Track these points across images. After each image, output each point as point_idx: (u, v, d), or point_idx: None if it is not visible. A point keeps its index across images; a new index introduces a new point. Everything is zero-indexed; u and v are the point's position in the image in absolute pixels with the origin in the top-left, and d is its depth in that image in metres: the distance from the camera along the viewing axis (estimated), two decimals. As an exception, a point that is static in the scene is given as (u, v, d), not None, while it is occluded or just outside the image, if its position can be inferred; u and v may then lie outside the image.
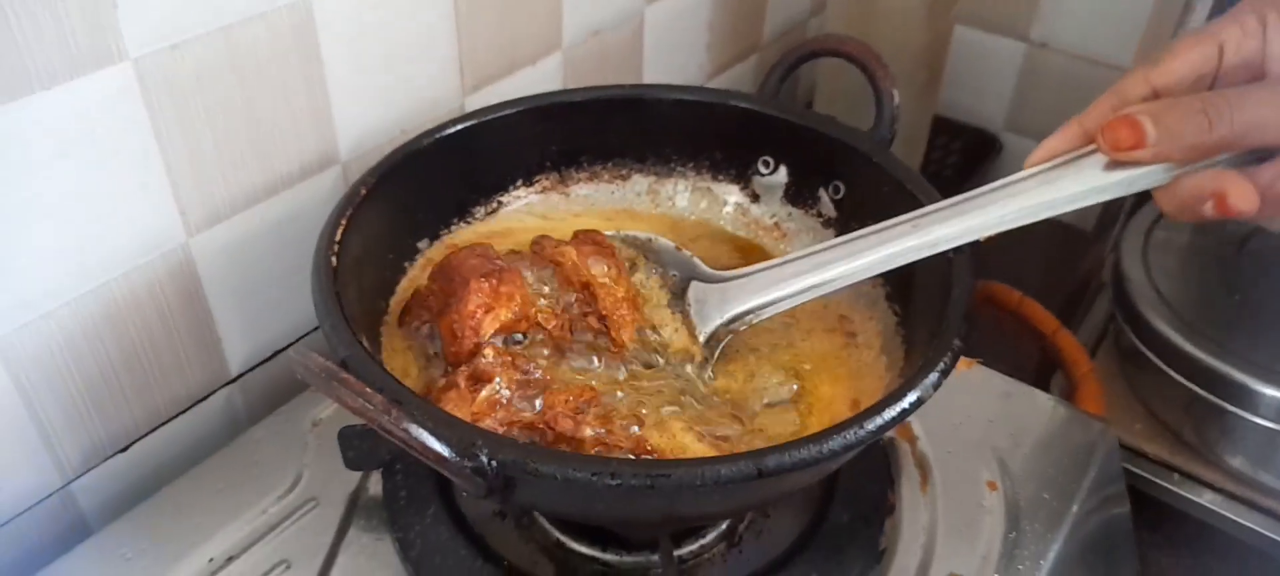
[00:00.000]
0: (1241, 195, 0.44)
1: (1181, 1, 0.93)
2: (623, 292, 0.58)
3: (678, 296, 0.61)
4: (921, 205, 0.58)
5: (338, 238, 0.53)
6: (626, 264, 0.61)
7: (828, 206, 0.66)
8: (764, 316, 0.58)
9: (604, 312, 0.57)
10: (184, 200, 0.60)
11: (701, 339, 0.59)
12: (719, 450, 0.52)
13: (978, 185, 0.52)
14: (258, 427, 0.65)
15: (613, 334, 0.57)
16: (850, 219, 0.65)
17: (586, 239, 0.60)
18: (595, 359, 0.56)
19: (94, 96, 0.53)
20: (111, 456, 0.63)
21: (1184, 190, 0.46)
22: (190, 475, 0.62)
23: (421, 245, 0.63)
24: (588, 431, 0.51)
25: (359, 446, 0.58)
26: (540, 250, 0.59)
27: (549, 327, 0.56)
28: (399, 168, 0.59)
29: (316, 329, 0.73)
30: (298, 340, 0.73)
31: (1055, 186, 0.49)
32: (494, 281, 0.54)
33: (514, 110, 0.65)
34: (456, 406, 0.50)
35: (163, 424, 0.66)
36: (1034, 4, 1.28)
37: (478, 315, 0.53)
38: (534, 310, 0.56)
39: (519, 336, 0.55)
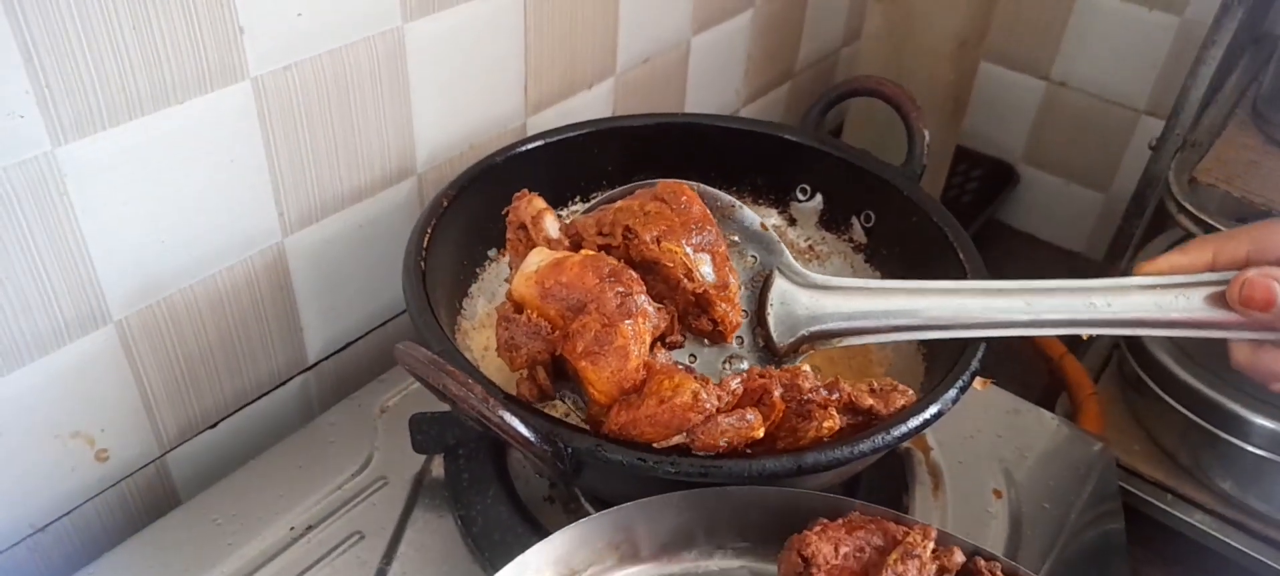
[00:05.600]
0: None
1: (1195, 52, 0.99)
2: (733, 291, 0.55)
3: (749, 282, 0.60)
4: (947, 237, 0.63)
5: (425, 245, 0.59)
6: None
7: (859, 233, 0.72)
8: (858, 341, 0.55)
9: (718, 317, 0.55)
10: (283, 203, 0.66)
11: (778, 343, 0.57)
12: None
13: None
14: (331, 411, 0.71)
15: (726, 334, 0.56)
16: (879, 245, 0.71)
17: (683, 219, 0.55)
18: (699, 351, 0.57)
19: (218, 110, 0.59)
20: (203, 431, 0.70)
21: (1267, 360, 0.48)
22: (270, 453, 0.68)
23: (490, 254, 0.69)
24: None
25: (427, 431, 0.65)
26: (632, 244, 0.55)
27: (663, 330, 0.54)
28: (475, 181, 0.66)
29: (386, 322, 0.80)
30: (368, 332, 0.79)
31: (1163, 306, 0.50)
32: (638, 316, 0.50)
33: (580, 132, 0.71)
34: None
35: (248, 404, 0.72)
36: (1056, 44, 1.34)
37: (639, 352, 0.50)
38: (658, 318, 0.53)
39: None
